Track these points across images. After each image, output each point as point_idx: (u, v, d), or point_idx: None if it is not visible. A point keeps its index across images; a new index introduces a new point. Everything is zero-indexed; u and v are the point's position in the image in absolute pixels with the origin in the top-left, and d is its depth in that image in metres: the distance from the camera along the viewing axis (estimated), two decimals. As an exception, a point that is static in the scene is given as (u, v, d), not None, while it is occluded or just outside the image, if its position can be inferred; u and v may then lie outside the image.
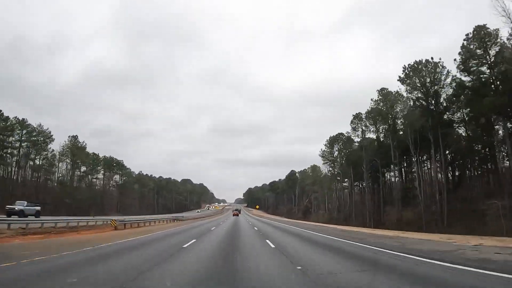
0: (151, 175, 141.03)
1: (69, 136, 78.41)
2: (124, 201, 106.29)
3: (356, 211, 61.09)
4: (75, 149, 77.87)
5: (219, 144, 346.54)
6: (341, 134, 67.87)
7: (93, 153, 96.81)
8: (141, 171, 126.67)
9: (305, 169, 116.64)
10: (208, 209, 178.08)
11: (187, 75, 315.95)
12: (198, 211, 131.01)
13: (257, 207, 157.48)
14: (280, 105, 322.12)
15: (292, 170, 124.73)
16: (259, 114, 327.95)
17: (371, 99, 52.04)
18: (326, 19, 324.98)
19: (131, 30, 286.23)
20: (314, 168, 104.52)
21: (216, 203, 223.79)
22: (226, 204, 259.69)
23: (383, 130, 52.67)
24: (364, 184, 59.57)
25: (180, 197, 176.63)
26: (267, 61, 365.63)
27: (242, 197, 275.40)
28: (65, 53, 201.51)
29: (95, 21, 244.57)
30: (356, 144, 62.86)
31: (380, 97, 50.28)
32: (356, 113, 56.13)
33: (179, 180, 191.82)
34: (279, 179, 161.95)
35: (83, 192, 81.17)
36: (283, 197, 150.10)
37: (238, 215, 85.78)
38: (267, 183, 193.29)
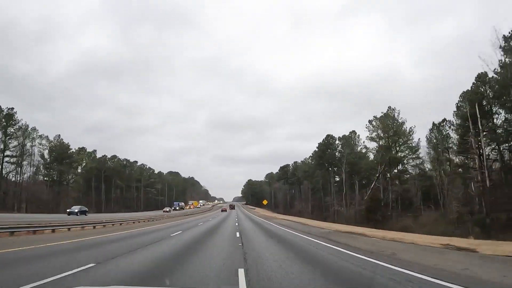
0: (94, 150, 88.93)
1: None
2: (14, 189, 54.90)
3: None
4: None
5: (217, 140, 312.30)
6: None
7: None
8: (61, 138, 71.33)
9: (353, 131, 64.84)
10: (172, 210, 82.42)
11: (184, 67, 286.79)
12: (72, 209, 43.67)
13: (265, 202, 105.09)
14: (282, 99, 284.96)
15: (328, 135, 71.53)
16: (259, 108, 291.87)
17: None
18: (330, 8, 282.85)
19: (124, 16, 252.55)
20: (384, 120, 52.24)
21: (201, 201, 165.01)
22: (221, 202, 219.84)
23: None
24: None
25: (152, 190, 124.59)
26: (267, 55, 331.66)
27: (241, 195, 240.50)
28: (55, 41, 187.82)
29: (86, 8, 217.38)
30: None
31: None
32: None
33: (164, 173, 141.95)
34: (295, 162, 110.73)
35: None
36: (300, 189, 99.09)
37: (226, 210, 76.91)
38: (274, 172, 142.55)
